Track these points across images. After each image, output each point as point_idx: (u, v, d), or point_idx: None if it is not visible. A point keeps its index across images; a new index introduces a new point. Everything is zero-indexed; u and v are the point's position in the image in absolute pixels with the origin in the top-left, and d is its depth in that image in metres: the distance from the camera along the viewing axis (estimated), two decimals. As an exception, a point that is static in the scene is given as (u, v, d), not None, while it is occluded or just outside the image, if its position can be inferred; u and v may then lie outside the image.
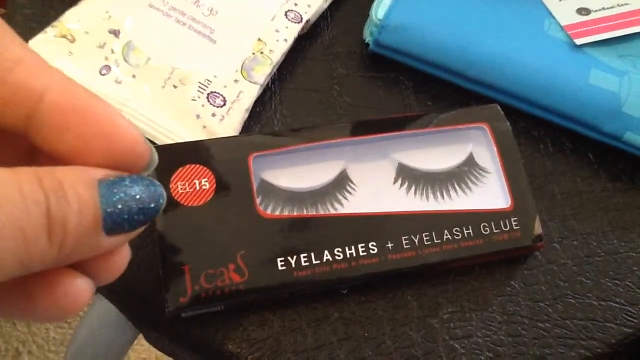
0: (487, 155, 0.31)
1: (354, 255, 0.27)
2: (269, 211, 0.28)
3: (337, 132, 0.30)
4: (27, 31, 0.36)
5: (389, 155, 0.31)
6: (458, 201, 0.30)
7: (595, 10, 0.36)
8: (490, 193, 0.30)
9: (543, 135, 0.35)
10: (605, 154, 0.34)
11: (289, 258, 0.27)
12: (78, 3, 0.35)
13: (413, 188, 0.30)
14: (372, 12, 0.36)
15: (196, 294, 0.25)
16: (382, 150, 0.31)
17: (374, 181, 0.30)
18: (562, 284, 0.30)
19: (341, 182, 0.30)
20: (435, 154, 0.31)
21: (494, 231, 0.28)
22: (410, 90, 0.36)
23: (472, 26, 0.35)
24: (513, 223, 0.29)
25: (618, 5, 0.36)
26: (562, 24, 0.35)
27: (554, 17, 0.36)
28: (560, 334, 0.29)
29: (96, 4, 0.34)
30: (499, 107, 0.32)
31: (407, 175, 0.30)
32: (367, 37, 0.36)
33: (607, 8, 0.36)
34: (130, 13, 0.34)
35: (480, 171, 0.31)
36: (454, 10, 0.35)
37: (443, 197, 0.30)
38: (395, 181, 0.30)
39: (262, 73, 0.34)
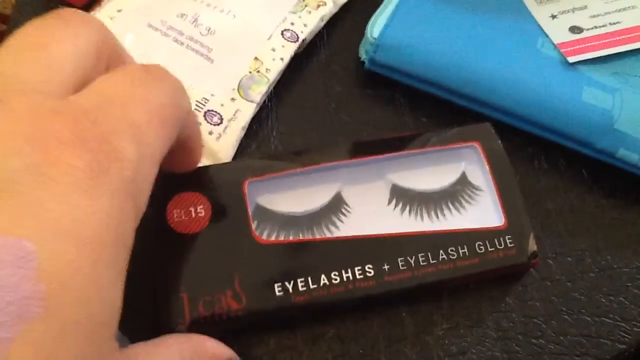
0: (480, 174, 0.31)
1: (351, 278, 0.27)
2: (264, 236, 0.28)
3: (331, 155, 0.30)
4: (28, 50, 0.36)
5: (383, 177, 0.31)
6: (452, 220, 0.30)
7: (588, 29, 0.36)
8: (483, 211, 0.30)
9: (537, 152, 0.35)
10: (599, 170, 0.35)
11: (286, 283, 0.27)
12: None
13: (407, 208, 0.30)
14: (368, 30, 0.36)
15: (194, 321, 0.26)
16: (376, 171, 0.31)
17: (368, 203, 0.30)
18: (556, 300, 0.31)
19: (336, 205, 0.30)
20: (429, 173, 0.31)
21: (489, 249, 0.29)
22: (405, 108, 0.37)
23: (466, 45, 0.35)
24: (508, 241, 0.29)
25: (610, 23, 0.37)
26: (555, 42, 0.36)
27: (547, 36, 0.36)
28: (554, 350, 0.29)
29: (96, 23, 0.35)
30: (490, 125, 0.32)
31: (401, 196, 0.31)
32: (363, 56, 0.37)
33: (600, 26, 0.37)
34: (129, 32, 0.35)
35: (474, 190, 0.31)
36: (448, 29, 0.36)
37: (437, 217, 0.30)
38: (389, 202, 0.30)
39: (259, 91, 0.34)
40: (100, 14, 0.35)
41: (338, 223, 0.29)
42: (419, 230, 0.29)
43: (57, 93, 0.17)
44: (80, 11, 0.19)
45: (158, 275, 0.26)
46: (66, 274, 0.14)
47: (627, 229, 0.33)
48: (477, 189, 0.31)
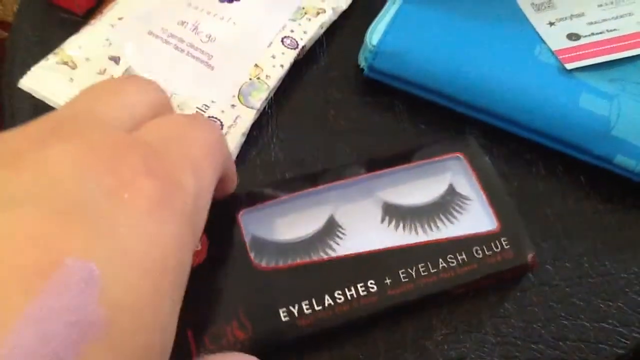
0: (467, 183, 0.32)
1: (355, 295, 0.27)
2: (263, 264, 0.28)
3: (321, 178, 0.30)
4: (30, 57, 0.37)
5: (373, 195, 0.31)
6: (445, 231, 0.30)
7: (585, 36, 0.37)
8: (475, 219, 0.31)
9: (535, 158, 0.36)
10: (596, 176, 0.35)
11: (291, 307, 0.26)
12: (79, 30, 0.35)
13: (401, 224, 0.30)
14: (367, 38, 0.36)
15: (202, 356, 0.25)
16: (366, 190, 0.31)
17: (362, 223, 0.30)
18: (554, 305, 0.31)
19: (330, 229, 0.30)
20: (417, 187, 0.32)
21: (487, 253, 0.29)
22: (404, 114, 0.37)
23: (464, 52, 0.36)
24: (503, 243, 0.29)
25: (607, 30, 0.37)
26: (553, 49, 0.36)
27: (544, 43, 0.37)
28: (553, 355, 0.29)
29: (97, 31, 0.35)
30: (472, 137, 0.33)
31: (393, 213, 0.31)
32: (362, 63, 0.37)
33: (597, 33, 0.37)
34: (130, 40, 0.35)
35: (463, 199, 0.31)
36: (446, 36, 0.36)
37: (431, 229, 0.30)
38: (382, 220, 0.31)
39: (259, 98, 0.34)
40: (102, 21, 0.36)
41: (334, 246, 0.30)
42: (415, 242, 0.29)
43: (126, 129, 0.19)
44: (151, 80, 0.22)
45: None
46: (128, 300, 0.14)
47: (625, 235, 0.33)
48: (466, 199, 0.32)
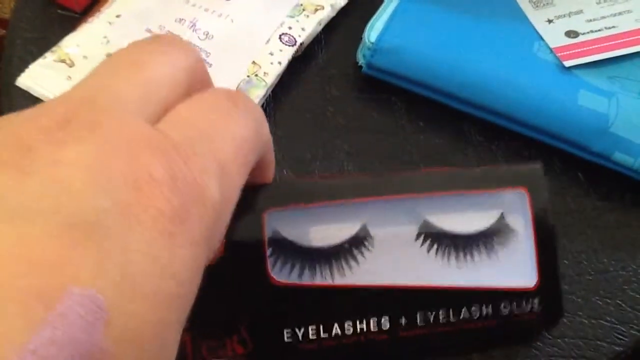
0: (522, 221, 0.28)
1: (365, 330, 0.25)
2: (279, 267, 0.26)
3: (360, 190, 0.27)
4: (27, 55, 0.37)
5: (415, 214, 0.27)
6: (481, 268, 0.27)
7: (584, 33, 0.37)
8: (516, 264, 0.27)
9: (533, 155, 0.36)
10: (595, 173, 0.35)
11: (296, 329, 0.25)
12: (77, 28, 0.35)
13: (435, 247, 0.27)
14: (365, 35, 0.36)
15: None
16: (408, 209, 0.27)
17: (395, 238, 0.27)
18: (553, 302, 0.31)
19: (360, 239, 0.27)
20: (465, 215, 0.28)
21: (514, 312, 0.26)
22: (402, 112, 0.37)
23: (463, 49, 0.36)
24: (535, 304, 0.27)
25: (606, 28, 0.37)
26: (552, 46, 0.36)
27: (543, 40, 0.37)
28: (551, 352, 0.29)
29: (95, 29, 0.35)
30: (540, 166, 0.28)
31: (430, 233, 0.27)
32: (360, 60, 0.37)
33: (596, 31, 0.37)
34: (128, 37, 0.35)
35: (510, 233, 0.28)
36: (445, 33, 0.36)
37: (466, 259, 0.27)
38: (417, 238, 0.27)
39: (257, 95, 0.34)
40: (99, 19, 0.36)
41: (359, 258, 0.26)
42: (443, 278, 0.27)
43: (148, 115, 0.16)
44: (179, 37, 0.19)
45: None
46: (135, 332, 0.13)
47: (623, 232, 0.33)
48: (513, 234, 0.28)
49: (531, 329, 0.26)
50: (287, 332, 0.25)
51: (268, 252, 0.25)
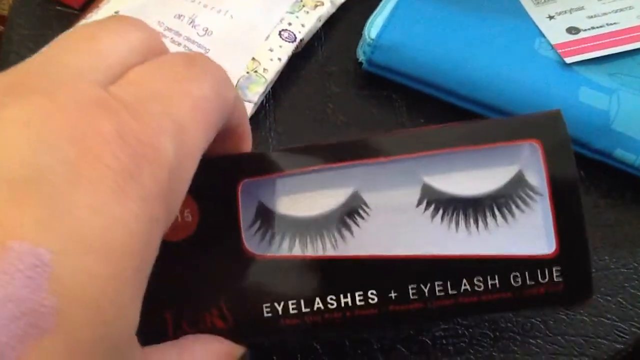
0: (538, 177, 0.24)
1: (349, 304, 0.23)
2: (265, 242, 0.24)
3: (348, 153, 0.24)
4: (24, 51, 0.36)
5: (414, 176, 0.25)
6: (493, 233, 0.24)
7: (585, 30, 0.37)
8: (531, 228, 0.24)
9: (534, 152, 0.35)
10: (595, 170, 0.35)
11: (276, 304, 0.23)
12: (75, 25, 0.35)
13: (440, 213, 0.24)
14: (365, 31, 0.36)
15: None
16: (405, 171, 0.25)
17: (393, 204, 0.24)
18: (553, 300, 0.31)
19: (353, 206, 0.24)
20: (473, 174, 0.24)
21: (528, 283, 0.23)
22: (403, 109, 0.37)
23: (463, 45, 0.35)
24: (555, 274, 0.23)
25: (607, 24, 0.37)
26: (553, 42, 0.36)
27: (544, 36, 0.36)
28: (551, 350, 0.29)
29: (93, 24, 0.35)
30: (559, 113, 0.24)
31: (434, 198, 0.24)
32: (360, 56, 0.37)
33: (597, 27, 0.37)
34: (127, 33, 0.35)
35: (530, 192, 0.24)
36: (445, 30, 0.36)
37: (477, 226, 0.24)
38: (419, 203, 0.24)
39: (256, 92, 0.34)
40: (97, 15, 0.35)
41: (354, 228, 0.24)
42: (441, 249, 0.24)
43: (101, 81, 0.16)
44: (132, 17, 0.19)
45: None
46: (83, 288, 0.13)
47: (624, 229, 0.33)
48: (534, 192, 0.24)
49: (552, 303, 0.23)
50: (265, 307, 0.23)
51: (247, 223, 0.24)
